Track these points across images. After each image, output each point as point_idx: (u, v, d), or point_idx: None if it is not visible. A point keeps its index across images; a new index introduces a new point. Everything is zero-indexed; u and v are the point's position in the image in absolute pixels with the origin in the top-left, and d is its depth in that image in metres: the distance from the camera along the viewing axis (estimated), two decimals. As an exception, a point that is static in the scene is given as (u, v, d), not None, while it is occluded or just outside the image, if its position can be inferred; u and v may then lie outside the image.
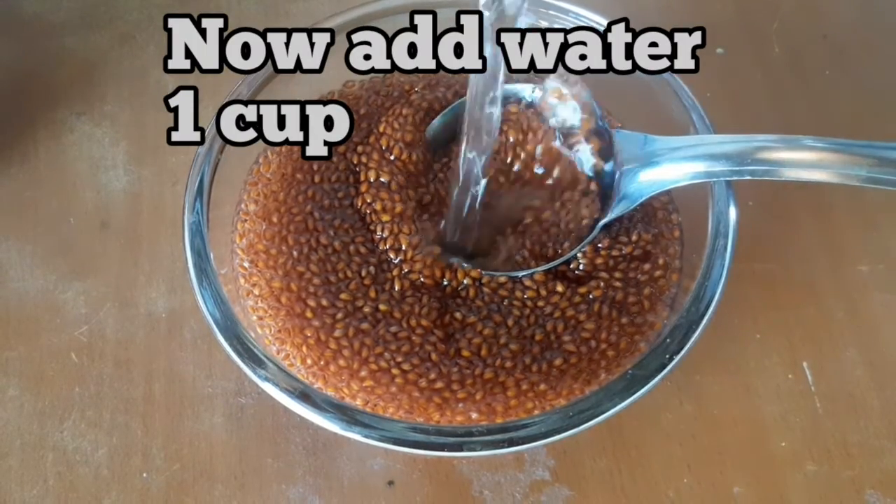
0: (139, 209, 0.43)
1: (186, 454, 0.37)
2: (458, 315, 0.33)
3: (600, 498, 0.36)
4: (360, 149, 0.36)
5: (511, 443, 0.28)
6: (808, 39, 0.48)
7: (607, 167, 0.34)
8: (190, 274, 0.31)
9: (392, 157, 0.36)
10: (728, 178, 0.31)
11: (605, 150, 0.34)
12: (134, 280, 0.41)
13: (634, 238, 0.34)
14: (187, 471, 0.37)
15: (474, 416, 0.31)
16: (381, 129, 0.36)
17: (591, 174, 0.35)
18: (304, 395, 0.29)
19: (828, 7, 0.49)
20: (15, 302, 0.40)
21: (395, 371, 0.32)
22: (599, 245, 0.34)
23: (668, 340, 0.30)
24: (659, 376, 0.29)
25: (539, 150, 0.35)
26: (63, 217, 0.43)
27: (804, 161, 0.29)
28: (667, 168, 0.32)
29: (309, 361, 0.32)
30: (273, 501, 0.36)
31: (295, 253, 0.34)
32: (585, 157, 0.35)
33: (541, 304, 0.33)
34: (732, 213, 0.32)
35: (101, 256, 0.41)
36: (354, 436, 0.28)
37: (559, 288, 0.33)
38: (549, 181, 0.35)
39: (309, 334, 0.32)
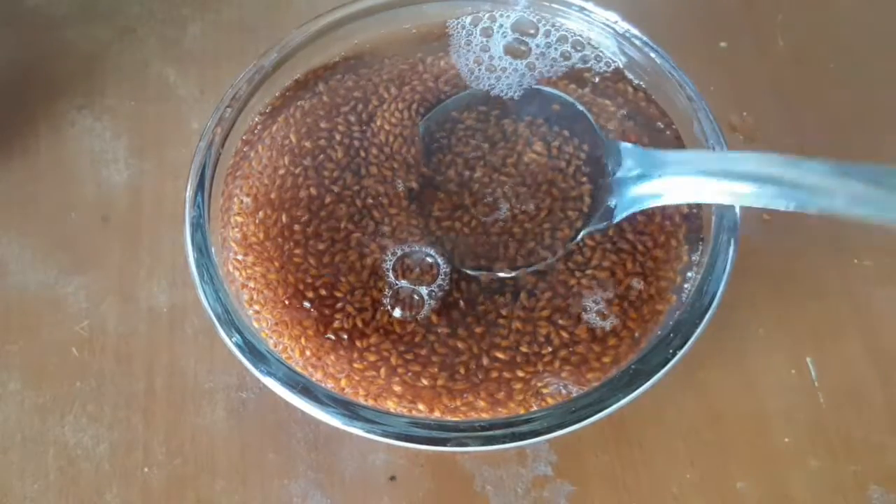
0: (140, 203, 0.43)
1: (188, 449, 0.37)
2: (457, 309, 0.33)
3: (603, 493, 0.36)
4: (356, 143, 0.36)
5: (513, 438, 0.28)
6: (812, 32, 0.47)
7: (598, 177, 0.34)
8: (191, 269, 0.31)
9: (390, 151, 0.36)
10: (716, 203, 0.31)
11: (596, 160, 0.34)
12: (135, 274, 0.41)
13: (638, 230, 0.34)
14: (188, 466, 0.37)
15: (478, 407, 0.31)
16: (379, 124, 0.36)
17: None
18: (306, 390, 0.29)
19: (832, 0, 0.49)
20: (15, 296, 0.40)
21: (395, 361, 0.32)
22: (601, 240, 0.34)
23: (671, 335, 0.30)
24: (662, 371, 0.29)
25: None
26: (64, 211, 0.42)
27: (803, 186, 0.27)
28: (656, 184, 0.32)
29: (308, 353, 0.32)
30: (275, 496, 0.36)
31: (291, 245, 0.34)
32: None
33: (542, 299, 0.33)
34: (736, 207, 0.31)
35: (102, 250, 0.41)
36: (356, 431, 0.28)
37: (559, 280, 0.33)
38: (542, 184, 0.35)
39: (307, 325, 0.32)
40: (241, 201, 0.35)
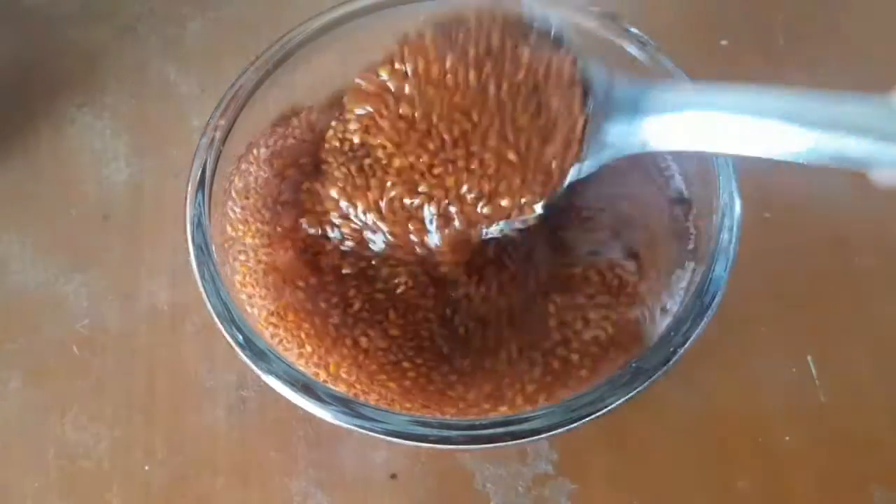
0: (141, 201, 0.43)
1: (188, 447, 0.37)
2: (457, 298, 0.33)
3: (604, 492, 0.36)
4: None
5: (514, 436, 0.28)
6: (813, 31, 0.47)
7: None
8: (192, 267, 0.31)
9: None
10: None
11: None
12: (136, 273, 0.41)
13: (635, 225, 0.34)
14: (189, 464, 0.37)
15: (481, 407, 0.31)
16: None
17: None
18: (307, 388, 0.29)
19: (833, -1, 0.49)
20: (16, 294, 0.40)
21: (398, 357, 0.32)
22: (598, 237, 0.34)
23: (672, 333, 0.30)
24: (663, 369, 0.29)
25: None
26: (64, 209, 0.42)
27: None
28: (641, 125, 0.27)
29: (308, 347, 0.32)
30: (275, 494, 0.36)
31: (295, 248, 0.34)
32: None
33: (542, 296, 0.33)
34: (737, 206, 0.31)
35: (102, 249, 0.41)
36: (357, 429, 0.28)
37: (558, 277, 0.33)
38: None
39: (308, 325, 0.32)
40: (241, 206, 0.35)
